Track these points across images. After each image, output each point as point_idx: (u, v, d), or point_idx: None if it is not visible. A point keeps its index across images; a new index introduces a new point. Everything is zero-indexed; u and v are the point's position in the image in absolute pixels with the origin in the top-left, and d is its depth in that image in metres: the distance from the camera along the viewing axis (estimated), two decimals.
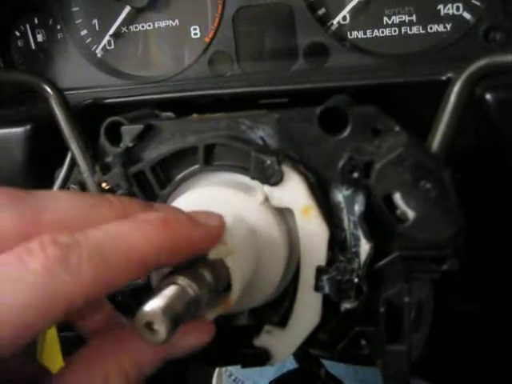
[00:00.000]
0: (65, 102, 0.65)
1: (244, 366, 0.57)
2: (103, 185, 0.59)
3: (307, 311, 0.53)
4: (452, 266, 0.50)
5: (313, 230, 0.51)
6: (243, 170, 0.52)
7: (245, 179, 0.52)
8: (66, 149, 0.63)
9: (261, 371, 1.05)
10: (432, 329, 0.55)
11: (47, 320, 0.32)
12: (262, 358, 0.55)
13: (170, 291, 0.39)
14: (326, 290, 0.51)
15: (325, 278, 0.51)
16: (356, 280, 0.50)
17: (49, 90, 0.65)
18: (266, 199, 0.50)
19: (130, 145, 0.57)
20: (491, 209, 0.65)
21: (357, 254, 0.51)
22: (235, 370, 1.15)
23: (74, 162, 0.62)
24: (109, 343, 0.42)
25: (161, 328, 0.37)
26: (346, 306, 0.52)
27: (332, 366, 0.68)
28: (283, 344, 0.55)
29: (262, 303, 0.54)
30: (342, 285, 0.51)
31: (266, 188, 0.51)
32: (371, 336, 0.53)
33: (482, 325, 1.22)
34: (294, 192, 0.50)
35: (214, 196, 0.51)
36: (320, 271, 0.51)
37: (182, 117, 0.60)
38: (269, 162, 0.50)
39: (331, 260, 0.51)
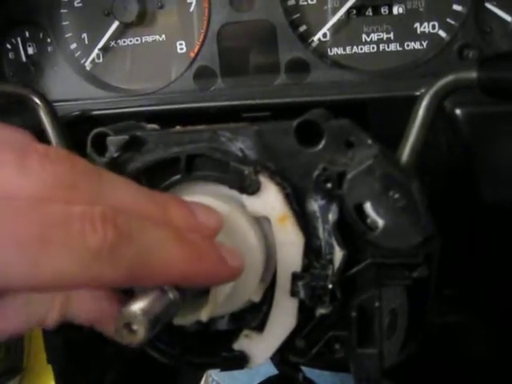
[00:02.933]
0: (53, 113, 0.67)
1: (223, 369, 0.58)
2: None
3: (284, 316, 0.55)
4: (422, 273, 0.52)
5: (289, 237, 0.53)
6: (222, 180, 0.55)
7: (223, 189, 0.54)
8: None
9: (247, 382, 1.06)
10: (411, 338, 0.57)
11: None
12: (240, 361, 0.57)
13: (150, 294, 0.41)
14: (302, 295, 0.53)
15: (300, 283, 0.53)
16: (330, 286, 0.52)
17: (38, 101, 0.68)
18: (243, 207, 0.53)
19: (116, 155, 0.58)
20: (466, 221, 0.68)
21: (331, 261, 0.53)
22: (222, 379, 1.17)
23: None
24: None
25: (139, 329, 0.39)
26: (320, 311, 0.54)
27: (310, 371, 0.70)
28: (261, 348, 0.57)
29: (241, 308, 0.56)
30: (316, 290, 0.53)
31: (244, 197, 0.53)
32: (344, 340, 0.54)
33: (463, 336, 1.24)
34: (270, 201, 0.52)
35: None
36: (296, 277, 0.53)
37: (166, 129, 0.62)
38: (246, 172, 0.52)
39: (306, 267, 0.53)
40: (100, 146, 0.60)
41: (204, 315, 0.47)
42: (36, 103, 0.67)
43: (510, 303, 0.97)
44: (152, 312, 0.40)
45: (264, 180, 0.52)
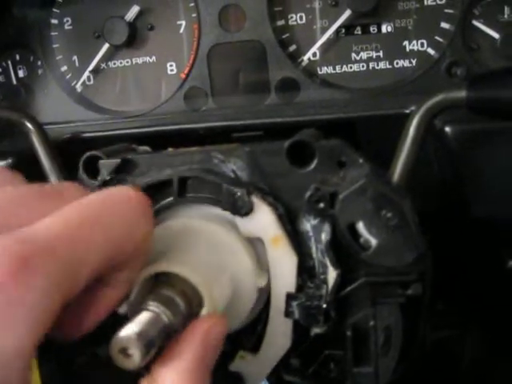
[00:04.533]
0: (45, 137, 0.67)
1: None
2: None
3: (278, 336, 0.55)
4: (416, 291, 0.52)
5: (282, 258, 0.53)
6: (215, 202, 0.55)
7: (216, 210, 0.54)
8: (46, 181, 0.65)
9: None
10: (406, 356, 0.57)
11: None
12: (236, 382, 0.56)
13: (143, 317, 0.41)
14: (296, 315, 0.53)
15: (294, 303, 0.53)
16: (324, 306, 0.52)
17: (29, 125, 0.68)
18: (236, 229, 0.53)
19: (108, 178, 0.59)
20: (456, 237, 0.68)
21: (325, 281, 0.53)
22: None
23: None
24: None
25: (135, 353, 0.39)
26: (315, 330, 0.54)
27: None
28: (256, 368, 0.56)
29: (236, 329, 0.56)
30: (311, 310, 0.53)
31: (237, 219, 0.53)
32: (339, 359, 0.54)
33: (456, 351, 1.24)
34: (263, 222, 0.53)
35: (186, 227, 0.53)
36: (290, 298, 0.53)
37: (158, 151, 0.63)
38: (239, 193, 0.52)
39: (300, 286, 0.53)
40: (92, 168, 0.61)
41: None
42: (28, 128, 0.68)
43: (502, 315, 0.98)
44: (147, 336, 0.40)
45: (257, 201, 0.52)
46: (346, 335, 0.53)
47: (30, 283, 0.30)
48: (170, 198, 0.57)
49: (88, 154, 0.60)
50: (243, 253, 0.52)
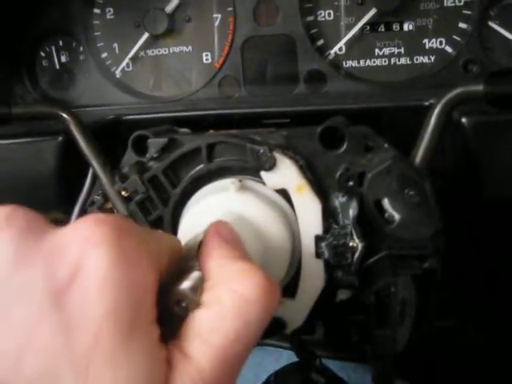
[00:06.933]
0: (83, 127, 0.73)
1: (264, 337, 0.64)
2: (122, 193, 0.66)
3: (312, 278, 0.60)
4: (432, 264, 0.59)
5: (307, 204, 0.59)
6: (241, 161, 0.61)
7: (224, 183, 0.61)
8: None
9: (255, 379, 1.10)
10: (418, 327, 0.63)
11: None
12: (278, 327, 0.63)
13: (194, 275, 0.47)
14: (326, 255, 0.59)
15: (323, 244, 0.59)
16: (351, 244, 0.58)
17: (68, 117, 0.73)
18: (241, 188, 0.59)
19: (155, 155, 0.65)
20: (468, 222, 0.74)
21: (352, 250, 0.59)
22: None
23: (95, 176, 0.70)
24: None
25: (189, 305, 0.45)
26: (340, 297, 0.60)
27: None
28: (295, 312, 0.62)
29: (281, 283, 0.61)
30: (338, 248, 0.58)
31: (263, 173, 0.59)
32: (361, 323, 0.61)
33: (457, 340, 1.30)
34: (286, 174, 0.59)
35: (205, 208, 0.59)
36: (319, 239, 0.59)
37: (199, 132, 0.68)
38: (262, 150, 0.59)
39: (327, 229, 0.59)
40: (139, 146, 0.67)
41: None
42: (67, 119, 0.73)
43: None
44: (197, 290, 0.46)
45: (278, 156, 0.59)
46: (368, 302, 0.59)
47: None
48: (201, 165, 0.63)
49: (137, 133, 0.66)
50: (279, 223, 0.58)
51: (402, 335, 0.62)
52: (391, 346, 0.59)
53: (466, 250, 0.79)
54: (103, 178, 0.67)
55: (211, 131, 0.68)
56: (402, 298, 0.62)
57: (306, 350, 0.74)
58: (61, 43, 0.93)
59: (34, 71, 0.95)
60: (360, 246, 0.58)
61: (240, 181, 0.59)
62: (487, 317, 1.30)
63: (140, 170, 0.65)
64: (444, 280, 0.62)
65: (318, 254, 0.59)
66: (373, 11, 0.79)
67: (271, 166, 0.59)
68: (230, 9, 0.84)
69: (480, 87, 0.57)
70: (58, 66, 0.94)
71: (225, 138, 0.62)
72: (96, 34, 0.91)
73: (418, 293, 0.62)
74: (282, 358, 0.90)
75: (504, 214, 0.71)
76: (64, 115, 0.74)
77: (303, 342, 0.72)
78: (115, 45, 0.91)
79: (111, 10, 0.90)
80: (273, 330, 0.63)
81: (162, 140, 0.64)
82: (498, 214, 0.72)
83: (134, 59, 0.90)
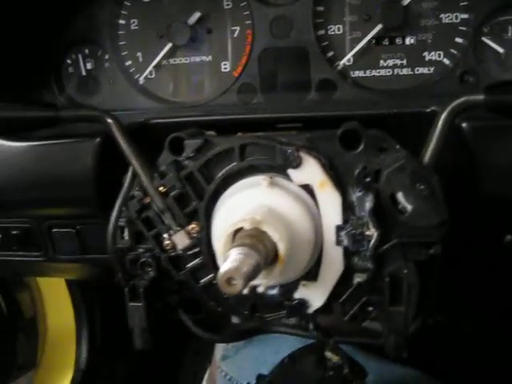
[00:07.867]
0: (123, 129, 0.78)
1: (288, 316, 0.72)
2: (160, 188, 0.74)
3: (332, 263, 0.68)
4: (437, 251, 0.67)
5: (329, 198, 0.67)
6: (270, 160, 0.69)
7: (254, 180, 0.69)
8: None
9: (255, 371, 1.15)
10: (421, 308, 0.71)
11: None
12: (301, 307, 0.71)
13: (246, 257, 0.55)
14: (345, 242, 0.67)
15: (343, 233, 0.67)
16: (367, 232, 0.66)
17: (110, 120, 0.79)
18: (272, 184, 0.66)
19: (191, 155, 0.72)
20: (466, 221, 0.81)
21: (368, 238, 0.67)
22: (231, 370, 1.24)
23: (135, 173, 0.76)
24: None
25: (238, 283, 0.53)
26: (357, 279, 0.68)
27: None
28: (317, 293, 0.70)
29: (305, 268, 0.68)
30: (356, 237, 0.67)
31: (290, 171, 0.67)
32: (377, 302, 0.69)
33: (447, 336, 1.37)
34: (311, 171, 0.67)
35: (239, 201, 0.67)
36: (339, 228, 0.67)
37: (228, 135, 0.75)
38: (290, 150, 0.67)
39: (345, 220, 0.67)
40: (173, 147, 0.74)
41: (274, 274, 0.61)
42: (109, 123, 0.79)
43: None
44: (247, 271, 0.54)
45: (304, 155, 0.67)
46: (383, 282, 0.67)
47: None
48: (234, 163, 0.71)
49: (173, 135, 0.73)
50: (305, 214, 0.66)
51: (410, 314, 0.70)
52: (403, 321, 0.66)
53: (461, 246, 0.86)
54: (142, 176, 0.74)
55: (239, 134, 0.76)
56: (408, 283, 0.69)
57: (321, 330, 0.81)
58: (87, 51, 1.00)
59: (60, 78, 1.01)
60: (375, 234, 0.66)
61: (271, 177, 0.67)
62: (481, 311, 1.38)
63: (177, 168, 0.72)
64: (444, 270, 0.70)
65: (338, 242, 0.67)
66: (379, 27, 0.87)
67: (298, 164, 0.67)
68: (248, 22, 0.91)
69: (481, 97, 0.66)
70: (84, 73, 1.00)
71: (256, 140, 0.70)
72: (121, 43, 0.98)
73: (422, 275, 0.69)
74: (281, 350, 0.95)
75: (498, 210, 0.79)
76: (107, 118, 0.80)
77: (318, 324, 0.80)
78: (139, 54, 0.97)
79: (135, 21, 0.97)
80: (296, 310, 0.71)
81: (198, 141, 0.72)
82: (493, 211, 0.80)
83: (157, 67, 0.97)
